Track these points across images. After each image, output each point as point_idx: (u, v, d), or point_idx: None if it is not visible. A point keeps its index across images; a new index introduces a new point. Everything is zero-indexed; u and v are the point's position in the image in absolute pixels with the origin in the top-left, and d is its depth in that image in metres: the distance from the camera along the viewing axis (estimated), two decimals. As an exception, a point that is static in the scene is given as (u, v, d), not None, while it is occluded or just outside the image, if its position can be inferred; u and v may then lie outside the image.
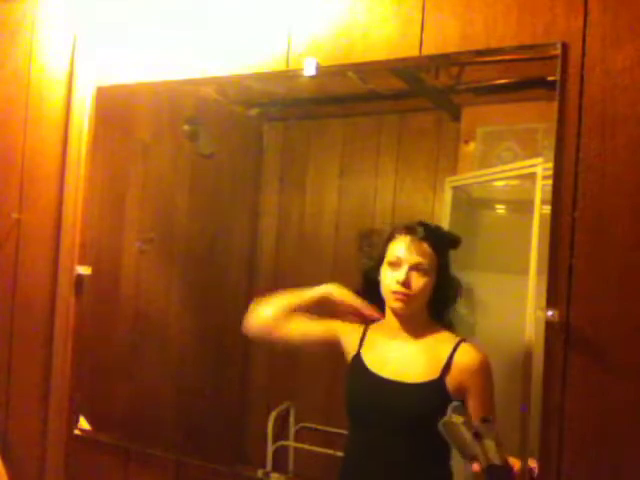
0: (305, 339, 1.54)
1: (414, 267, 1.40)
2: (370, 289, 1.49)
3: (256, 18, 1.67)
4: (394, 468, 1.39)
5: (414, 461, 1.39)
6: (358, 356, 1.47)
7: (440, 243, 1.44)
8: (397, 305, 1.41)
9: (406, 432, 1.38)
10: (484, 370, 1.37)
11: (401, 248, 1.42)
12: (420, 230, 1.42)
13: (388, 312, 1.46)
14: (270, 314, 1.54)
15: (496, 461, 1.21)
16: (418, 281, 1.40)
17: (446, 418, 1.21)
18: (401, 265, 1.40)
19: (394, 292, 1.41)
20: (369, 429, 1.42)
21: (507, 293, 1.56)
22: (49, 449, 1.95)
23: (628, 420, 1.21)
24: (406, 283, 1.39)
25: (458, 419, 1.21)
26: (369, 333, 1.50)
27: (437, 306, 1.45)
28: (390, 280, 1.42)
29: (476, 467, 1.22)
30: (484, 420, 1.22)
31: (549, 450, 1.26)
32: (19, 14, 2.07)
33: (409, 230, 1.43)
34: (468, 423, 1.21)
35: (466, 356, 1.39)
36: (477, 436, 1.20)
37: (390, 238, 1.46)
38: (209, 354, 2.02)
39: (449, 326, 1.45)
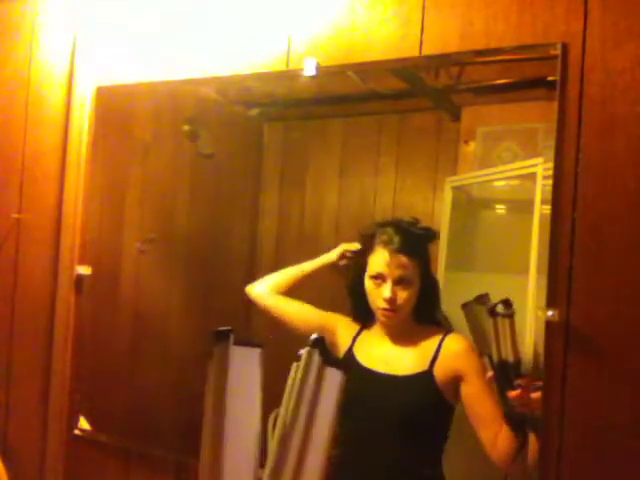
0: (302, 318, 1.55)
1: (397, 281, 1.39)
2: (356, 298, 1.49)
3: (256, 18, 1.67)
4: (385, 462, 1.39)
5: (404, 456, 1.39)
6: (350, 352, 1.49)
7: (418, 248, 1.43)
8: (385, 320, 1.43)
9: (396, 426, 1.38)
10: (474, 352, 1.38)
11: (381, 263, 1.40)
12: (396, 241, 1.40)
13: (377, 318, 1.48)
14: (272, 282, 1.60)
15: (509, 358, 1.21)
16: (403, 294, 1.40)
17: (468, 301, 1.24)
18: (384, 280, 1.40)
19: (381, 308, 1.41)
20: (360, 422, 1.43)
21: (507, 293, 1.56)
22: (49, 449, 1.95)
23: (628, 420, 1.21)
24: (392, 300, 1.39)
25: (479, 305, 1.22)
26: (363, 333, 1.51)
27: (423, 308, 1.45)
28: (375, 296, 1.42)
29: (489, 374, 1.26)
30: (505, 302, 1.23)
31: (549, 450, 1.26)
32: (19, 14, 2.07)
33: (386, 243, 1.41)
34: (488, 309, 1.22)
35: (454, 343, 1.40)
36: (492, 313, 1.21)
37: (369, 250, 1.45)
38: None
39: (437, 324, 1.46)
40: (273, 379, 1.98)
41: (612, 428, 1.22)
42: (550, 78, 1.29)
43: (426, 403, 1.39)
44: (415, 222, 1.46)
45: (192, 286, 2.04)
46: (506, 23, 1.35)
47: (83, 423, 1.89)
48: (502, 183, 1.69)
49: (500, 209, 1.75)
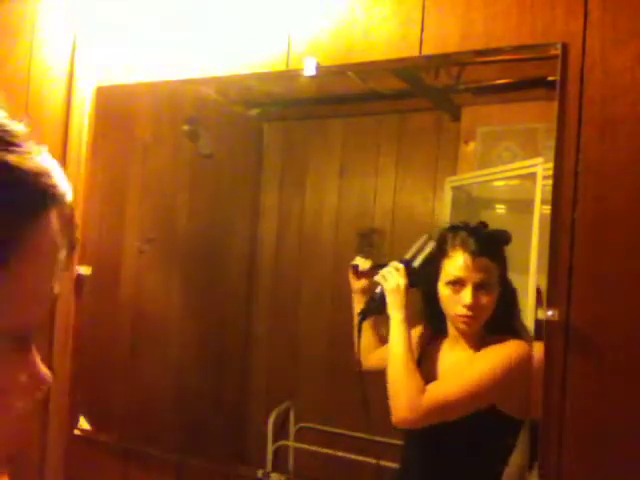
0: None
1: (479, 286, 1.31)
2: (430, 306, 1.42)
3: (256, 18, 1.67)
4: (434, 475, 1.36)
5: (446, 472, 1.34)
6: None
7: (496, 250, 1.34)
8: (463, 327, 1.35)
9: (436, 438, 1.33)
10: (500, 348, 1.29)
11: (461, 267, 1.32)
12: (475, 242, 1.32)
13: (450, 326, 1.41)
14: (361, 349, 1.53)
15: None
16: (484, 299, 1.32)
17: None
18: (464, 285, 1.31)
19: (460, 315, 1.33)
20: (410, 434, 1.39)
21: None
22: (49, 449, 1.95)
23: (628, 420, 1.21)
24: (473, 306, 1.30)
25: None
26: (433, 343, 1.45)
27: (499, 317, 1.35)
28: (454, 303, 1.33)
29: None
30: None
31: (549, 450, 1.26)
32: (19, 14, 2.06)
33: (465, 246, 1.32)
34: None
35: (504, 345, 1.32)
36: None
37: (443, 254, 1.36)
38: (209, 354, 2.02)
39: (513, 334, 1.35)
40: (279, 374, 1.99)
41: (612, 428, 1.22)
42: (550, 78, 1.29)
43: (471, 417, 1.30)
44: (485, 225, 1.39)
45: (192, 286, 2.04)
46: (506, 23, 1.35)
47: (83, 423, 1.89)
48: (502, 183, 1.69)
49: (500, 209, 1.75)
